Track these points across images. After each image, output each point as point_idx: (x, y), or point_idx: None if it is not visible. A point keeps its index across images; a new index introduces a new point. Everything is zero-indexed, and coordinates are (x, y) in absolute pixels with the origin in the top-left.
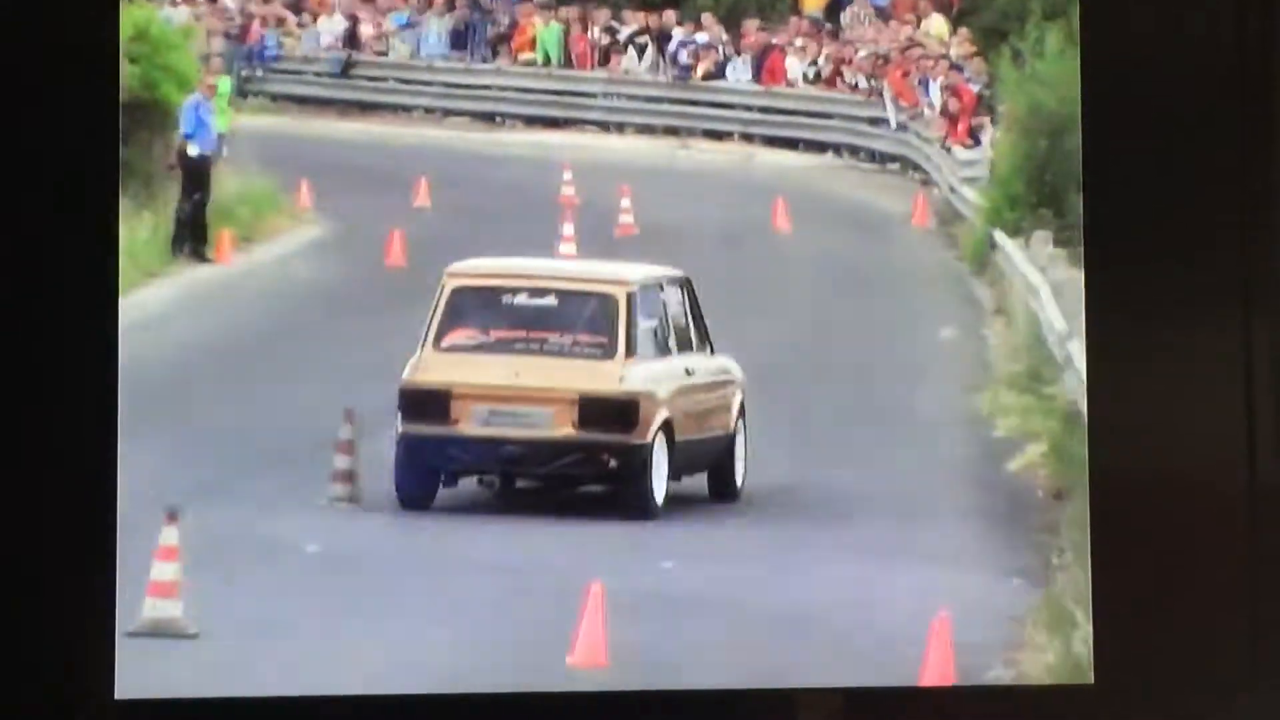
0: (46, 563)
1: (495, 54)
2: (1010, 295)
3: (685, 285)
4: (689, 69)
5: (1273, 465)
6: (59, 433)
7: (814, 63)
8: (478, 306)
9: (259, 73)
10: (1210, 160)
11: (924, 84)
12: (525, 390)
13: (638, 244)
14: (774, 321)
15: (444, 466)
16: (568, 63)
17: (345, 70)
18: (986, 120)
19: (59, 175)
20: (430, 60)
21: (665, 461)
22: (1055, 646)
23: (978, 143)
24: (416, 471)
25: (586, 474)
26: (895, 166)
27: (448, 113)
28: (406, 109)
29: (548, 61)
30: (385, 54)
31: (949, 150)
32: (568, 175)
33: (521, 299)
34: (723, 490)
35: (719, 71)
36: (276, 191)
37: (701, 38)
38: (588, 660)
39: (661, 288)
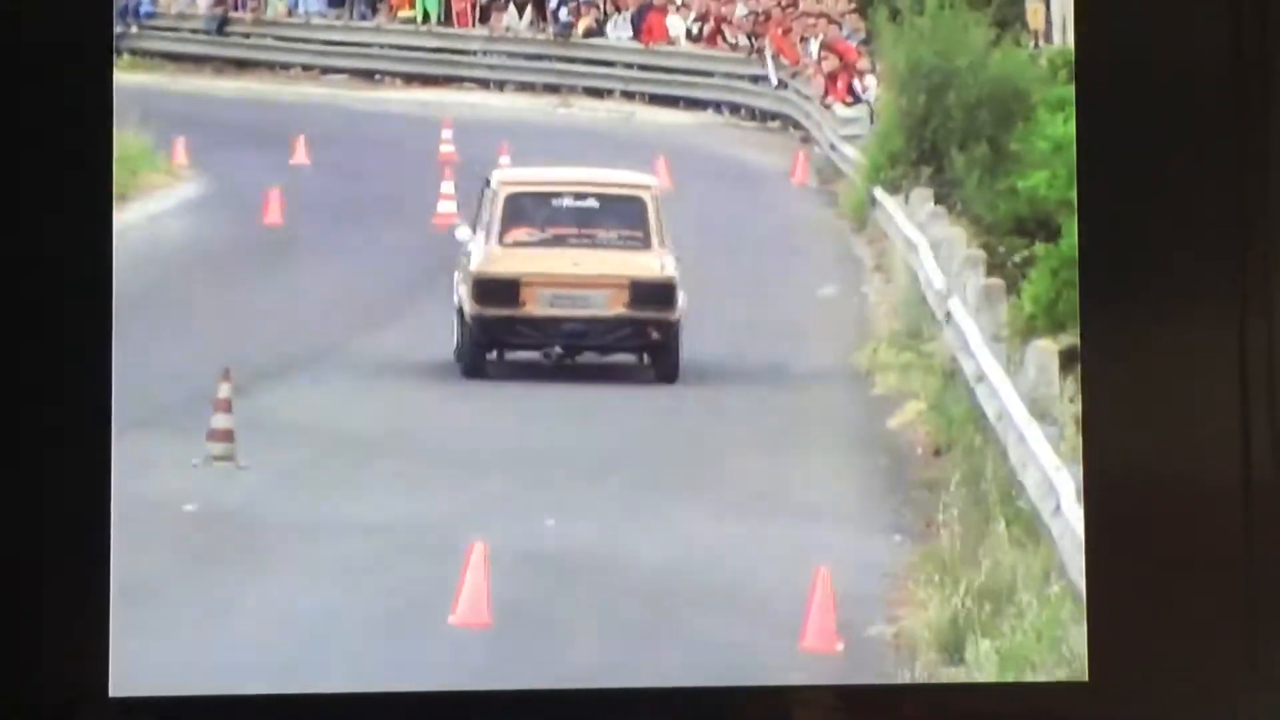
0: (40, 559)
1: (374, 11)
2: (890, 253)
3: (659, 189)
4: (569, 26)
5: (1267, 463)
6: (51, 434)
7: (695, 20)
8: (531, 208)
9: (133, 29)
10: (1206, 160)
11: (804, 42)
12: (584, 277)
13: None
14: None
15: (512, 341)
16: (447, 20)
17: (221, 27)
18: (870, 77)
19: None
20: (308, 16)
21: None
22: (935, 603)
23: (858, 100)
24: (484, 347)
25: (634, 345)
26: (776, 124)
27: (326, 70)
28: (284, 66)
29: (426, 19)
30: (261, 10)
31: (829, 108)
32: (447, 133)
33: (568, 201)
34: (669, 373)
35: (599, 29)
36: (151, 149)
37: None
38: None
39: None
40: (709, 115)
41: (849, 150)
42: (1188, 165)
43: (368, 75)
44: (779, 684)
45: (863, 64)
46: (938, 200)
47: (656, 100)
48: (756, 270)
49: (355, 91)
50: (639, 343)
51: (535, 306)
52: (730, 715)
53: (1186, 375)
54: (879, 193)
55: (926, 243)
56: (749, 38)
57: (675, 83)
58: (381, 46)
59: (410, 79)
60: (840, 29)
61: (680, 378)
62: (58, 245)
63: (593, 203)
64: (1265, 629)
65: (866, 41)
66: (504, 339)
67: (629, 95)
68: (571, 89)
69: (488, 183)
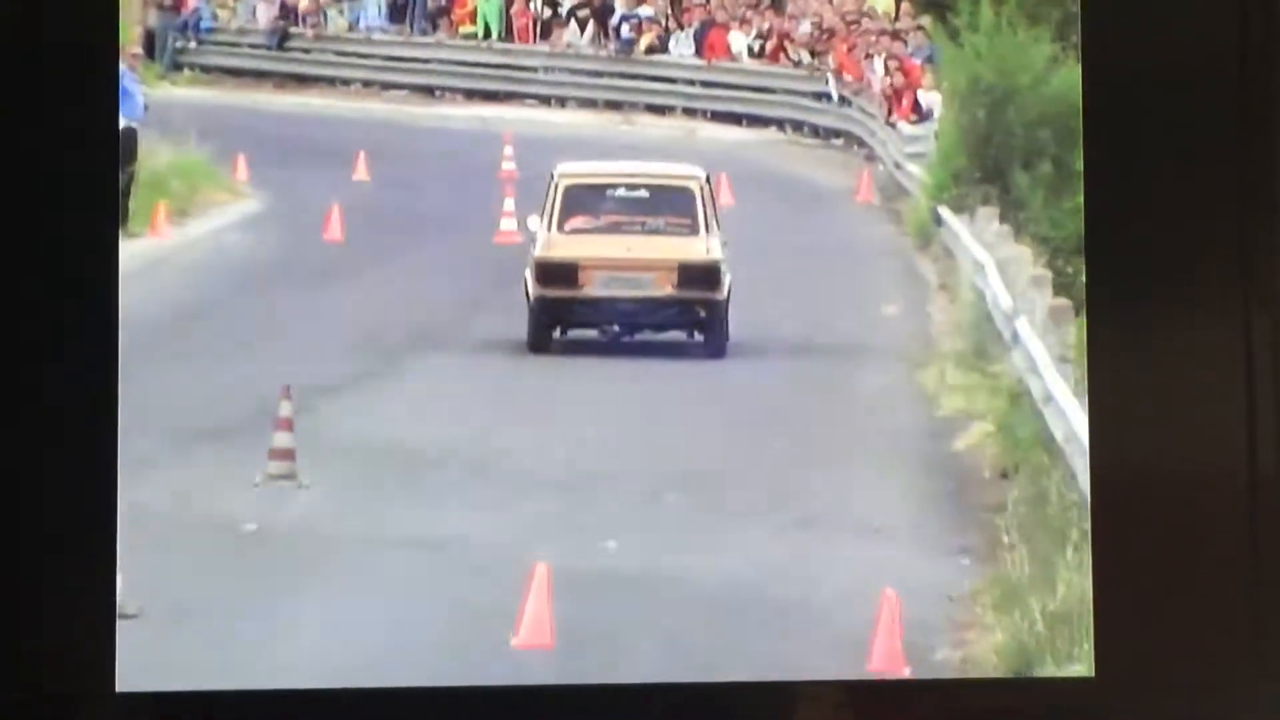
0: (45, 554)
1: (435, 27)
2: (955, 272)
3: (710, 180)
4: (631, 43)
5: (1273, 459)
6: (56, 427)
7: (758, 38)
8: (587, 199)
9: (193, 44)
10: (1210, 159)
11: (869, 59)
12: (637, 261)
13: None
14: None
15: (571, 320)
16: (508, 35)
17: (281, 42)
18: (935, 94)
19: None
20: (369, 32)
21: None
22: (1004, 626)
23: (922, 117)
24: (548, 325)
25: (683, 322)
26: (839, 142)
27: (386, 86)
28: (345, 82)
29: (488, 34)
30: (322, 26)
31: (893, 125)
32: (508, 149)
33: (621, 192)
34: (717, 348)
35: (661, 45)
36: (212, 165)
37: (644, 11)
38: None
39: (706, 182)
40: (771, 133)
41: (913, 168)
42: (1192, 163)
43: (428, 91)
44: (786, 679)
45: (927, 81)
46: (1003, 219)
47: (718, 117)
48: (819, 288)
49: (416, 108)
50: (688, 320)
51: (592, 288)
52: (739, 708)
53: (1192, 373)
54: (944, 211)
55: (993, 262)
56: (812, 54)
57: (737, 99)
58: (442, 62)
59: (471, 95)
60: (904, 45)
61: (743, 392)
62: (61, 262)
63: (644, 193)
64: (1272, 625)
65: (931, 59)
66: (564, 318)
67: (691, 112)
68: (633, 106)
69: (552, 176)
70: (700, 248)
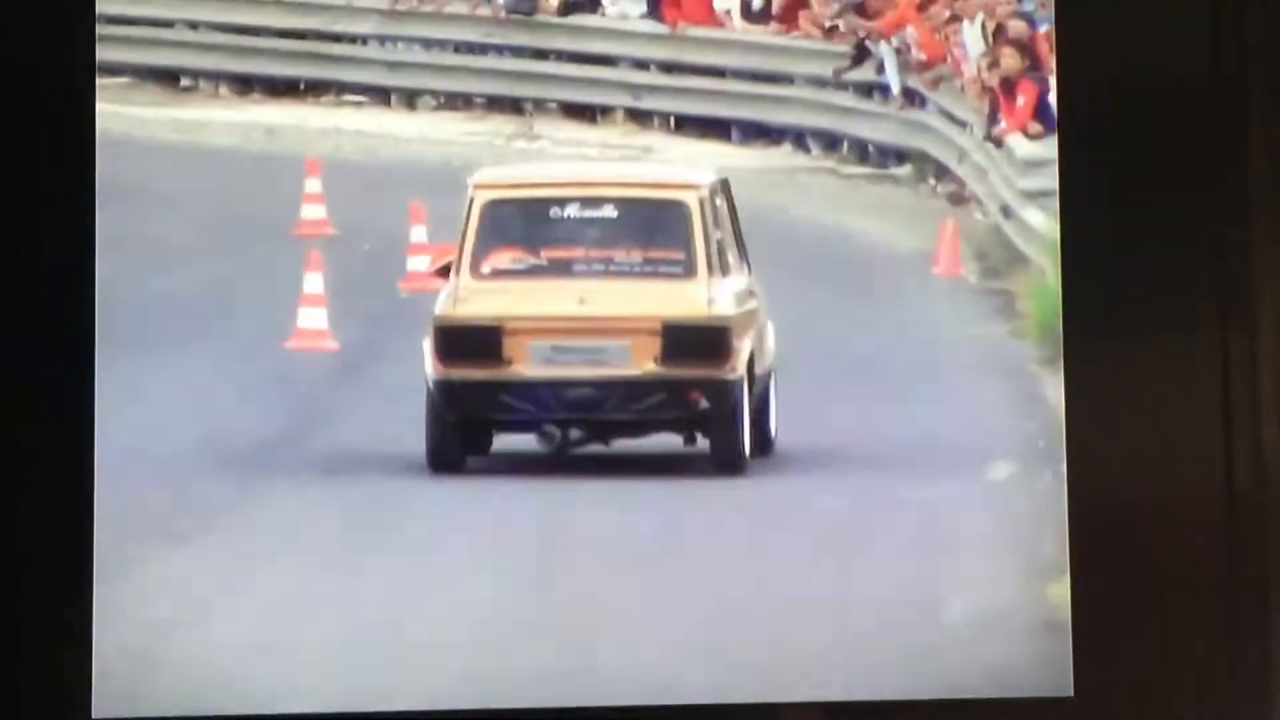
0: (21, 579)
1: None
2: None
3: (728, 190)
4: None
5: (1250, 478)
6: (35, 452)
7: None
8: (520, 222)
9: None
10: (1186, 177)
11: (955, 25)
12: (596, 320)
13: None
14: None
15: (496, 417)
16: None
17: None
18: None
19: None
20: None
21: (747, 403)
22: None
23: (1052, 128)
24: (457, 425)
25: (673, 417)
26: (904, 170)
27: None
28: None
29: None
30: None
31: (999, 143)
32: (312, 183)
33: (573, 211)
34: (761, 441)
35: (590, 1)
36: None
37: None
38: None
39: (717, 192)
40: (783, 152)
41: (1035, 217)
42: (1167, 182)
43: (170, 78)
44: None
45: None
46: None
47: (690, 126)
48: (873, 435)
49: (141, 108)
50: (681, 414)
51: (526, 365)
52: None
53: (1169, 392)
54: None
55: None
56: (858, 12)
57: (724, 95)
58: (195, 25)
59: (248, 85)
60: (1024, 5)
61: (776, 534)
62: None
63: (609, 212)
64: (1249, 643)
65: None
66: (483, 415)
67: (641, 116)
68: (541, 105)
69: (466, 189)
70: (698, 296)
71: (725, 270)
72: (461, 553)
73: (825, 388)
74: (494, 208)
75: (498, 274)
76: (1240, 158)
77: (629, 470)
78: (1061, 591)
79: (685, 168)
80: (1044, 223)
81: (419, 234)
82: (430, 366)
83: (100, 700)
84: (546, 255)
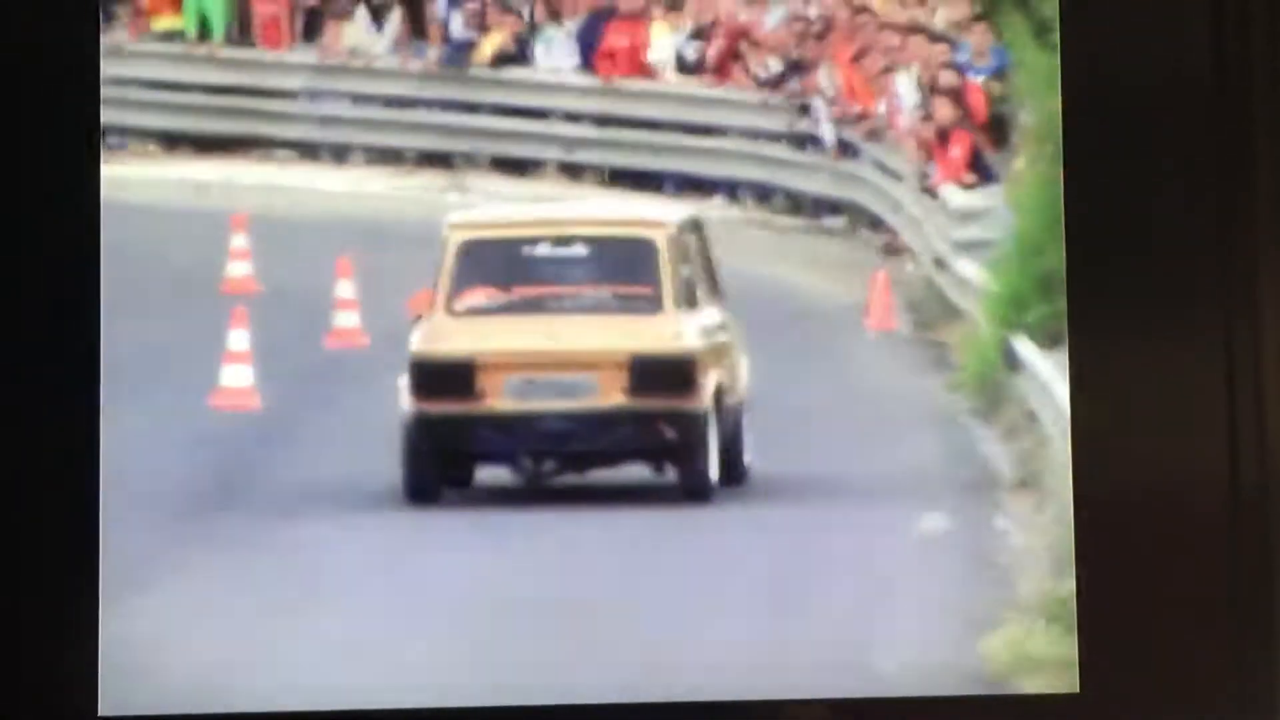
0: (27, 577)
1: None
2: (1045, 455)
3: (699, 228)
4: (467, 47)
5: (1254, 473)
6: (40, 444)
7: (694, 36)
8: (493, 261)
9: None
10: (1190, 171)
11: (889, 75)
12: (566, 354)
13: (366, 363)
14: None
15: (471, 449)
16: (244, 34)
17: None
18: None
19: None
20: None
21: (717, 433)
22: None
23: (987, 177)
24: (433, 458)
25: (642, 448)
26: (838, 221)
27: None
28: None
29: (204, 34)
30: None
31: (933, 194)
32: (238, 239)
33: (544, 250)
34: (732, 471)
35: (521, 51)
36: None
37: None
38: None
39: (686, 230)
40: (716, 204)
41: (969, 269)
42: (1172, 177)
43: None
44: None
45: (995, 112)
46: None
47: (623, 179)
48: (806, 489)
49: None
50: (650, 444)
51: (499, 399)
52: None
53: (1174, 387)
54: (1022, 346)
55: None
56: (790, 67)
57: (658, 147)
58: (119, 83)
59: (174, 142)
60: (953, 50)
61: (736, 560)
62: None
63: (580, 250)
64: (1256, 640)
65: (1001, 74)
66: (458, 448)
67: (573, 170)
68: (470, 160)
69: (442, 230)
70: (665, 330)
71: (694, 305)
72: (437, 580)
73: (761, 437)
74: (468, 248)
75: (472, 312)
76: (1245, 155)
77: (600, 500)
78: (993, 645)
79: (650, 207)
80: (977, 274)
81: (345, 289)
82: (407, 402)
83: (106, 699)
84: (519, 293)
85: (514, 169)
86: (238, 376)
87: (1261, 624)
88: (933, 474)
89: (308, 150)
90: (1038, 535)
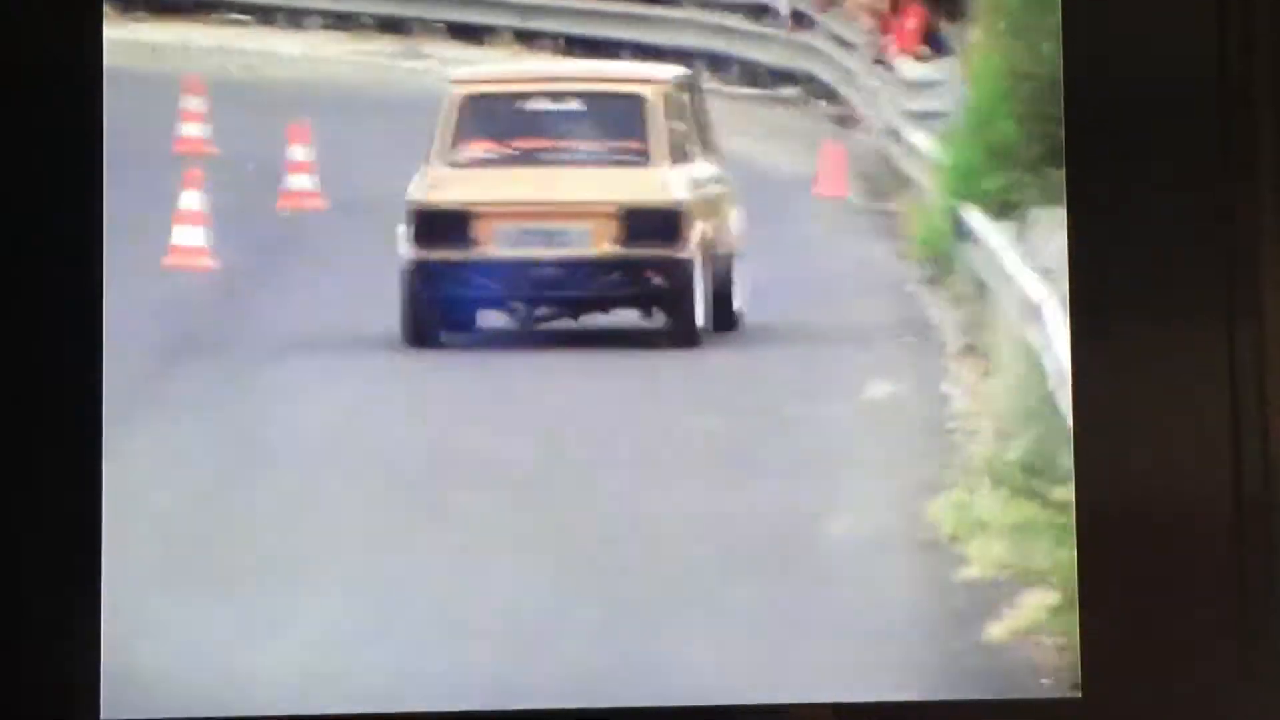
0: (29, 581)
1: None
2: (992, 323)
3: (695, 86)
4: None
5: (1258, 477)
6: (42, 448)
7: None
8: (493, 116)
9: None
10: (1193, 173)
11: None
12: (559, 204)
13: (327, 224)
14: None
15: (468, 294)
16: None
17: None
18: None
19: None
20: None
21: (704, 280)
22: None
23: (939, 50)
24: (433, 302)
25: (630, 294)
26: (792, 91)
27: None
28: None
29: None
30: None
31: (887, 64)
32: (195, 102)
33: (542, 104)
34: (723, 318)
35: None
36: None
37: None
38: None
39: (680, 88)
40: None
41: (921, 140)
42: (1174, 179)
43: None
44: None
45: None
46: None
47: (579, 47)
48: (753, 356)
49: None
50: (639, 291)
51: (495, 246)
52: None
53: (1177, 391)
54: (971, 215)
55: (1057, 304)
56: None
57: (612, 16)
58: None
59: (127, 3)
60: None
61: (728, 397)
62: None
63: (575, 105)
64: (1260, 644)
65: None
66: (455, 293)
67: (526, 37)
68: (429, 26)
69: (449, 87)
70: (654, 181)
71: (686, 159)
72: (432, 429)
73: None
74: (469, 103)
75: (469, 163)
76: (1248, 153)
77: (592, 343)
78: (939, 508)
79: (644, 66)
80: (928, 146)
81: (300, 153)
82: (406, 249)
83: (108, 703)
84: (516, 146)
85: (470, 36)
86: (190, 236)
87: (1265, 630)
88: (881, 335)
89: (264, 14)
90: (982, 401)
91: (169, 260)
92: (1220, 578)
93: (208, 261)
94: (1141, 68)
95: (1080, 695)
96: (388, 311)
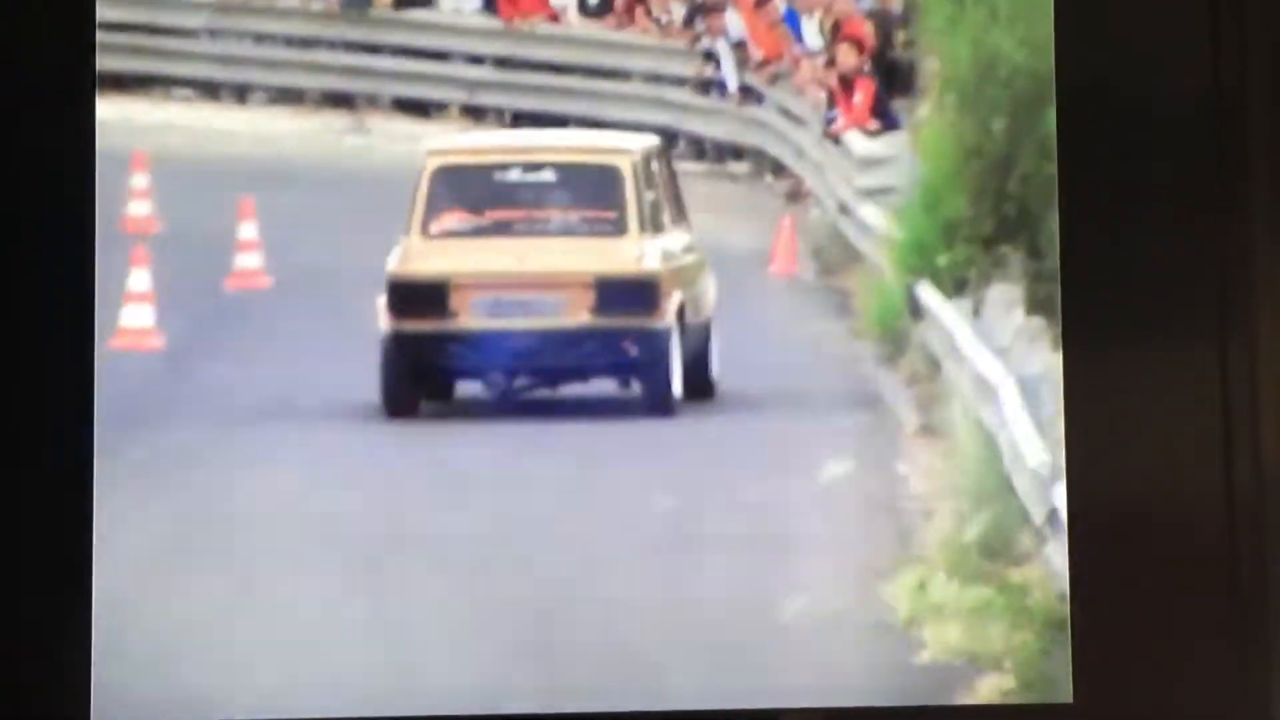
0: (19, 586)
1: None
2: (947, 401)
3: (664, 154)
4: None
5: (1250, 482)
6: (31, 449)
7: None
8: (466, 187)
9: None
10: (1185, 182)
11: (792, 20)
12: (535, 276)
13: (271, 303)
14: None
15: (446, 365)
16: None
17: None
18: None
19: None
20: None
21: (679, 350)
22: None
23: (889, 124)
24: (410, 373)
25: (607, 364)
26: (742, 167)
27: None
28: None
29: None
30: None
31: (837, 140)
32: (140, 180)
33: (515, 175)
34: (700, 386)
35: None
36: None
37: None
38: None
39: (651, 158)
40: None
41: (873, 215)
42: (1166, 187)
43: None
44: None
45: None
46: (1033, 306)
47: (526, 122)
48: (708, 438)
49: None
50: (615, 361)
51: (470, 317)
52: None
53: (1168, 396)
54: (926, 292)
55: (1013, 384)
56: (692, 12)
57: (560, 91)
58: None
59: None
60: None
61: (698, 472)
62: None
63: (548, 175)
64: (1251, 649)
65: (906, 21)
66: (432, 364)
67: (476, 113)
68: (373, 101)
69: (425, 158)
70: (629, 253)
71: (658, 229)
72: (411, 500)
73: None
74: (442, 174)
75: (445, 234)
76: (1240, 165)
77: (567, 413)
78: (895, 591)
79: (615, 135)
80: (880, 221)
81: (248, 230)
82: (383, 320)
83: (99, 708)
84: (490, 216)
85: (417, 111)
86: (138, 316)
87: (1257, 635)
88: (835, 416)
89: (208, 89)
90: (939, 481)
91: (116, 342)
92: (1212, 581)
93: (155, 341)
94: (1135, 79)
95: (1072, 701)
96: (340, 386)
